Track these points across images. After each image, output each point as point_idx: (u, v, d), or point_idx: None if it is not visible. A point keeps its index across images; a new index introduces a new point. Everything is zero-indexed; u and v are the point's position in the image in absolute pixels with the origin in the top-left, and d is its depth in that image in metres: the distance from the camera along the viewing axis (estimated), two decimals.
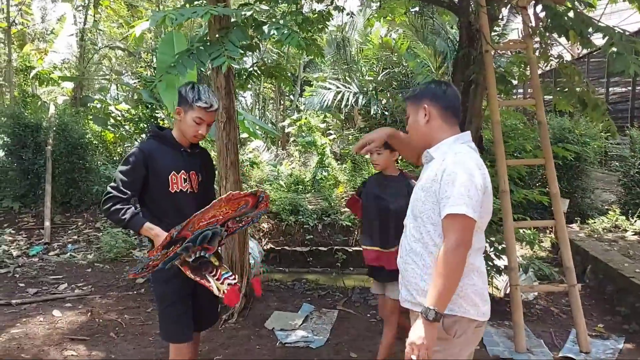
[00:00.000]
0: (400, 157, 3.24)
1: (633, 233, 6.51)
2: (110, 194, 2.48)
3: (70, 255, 6.70)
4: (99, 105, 11.57)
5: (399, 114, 10.94)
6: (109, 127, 10.50)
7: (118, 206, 2.46)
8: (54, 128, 8.68)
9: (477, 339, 2.10)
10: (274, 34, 3.00)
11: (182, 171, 2.62)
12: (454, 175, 1.92)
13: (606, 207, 7.74)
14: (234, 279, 2.49)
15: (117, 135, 10.74)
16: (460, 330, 1.98)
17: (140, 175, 2.52)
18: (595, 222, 6.90)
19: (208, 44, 3.15)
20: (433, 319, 1.85)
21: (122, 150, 10.83)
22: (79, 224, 8.07)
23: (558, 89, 4.74)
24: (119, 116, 11.05)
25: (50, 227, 7.46)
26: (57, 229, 7.74)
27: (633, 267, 5.05)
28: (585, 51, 12.17)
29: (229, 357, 3.89)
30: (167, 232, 2.51)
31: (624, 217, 6.94)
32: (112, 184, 2.52)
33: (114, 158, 10.37)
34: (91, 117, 10.68)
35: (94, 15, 12.46)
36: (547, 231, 7.10)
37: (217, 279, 2.43)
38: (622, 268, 5.01)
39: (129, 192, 2.50)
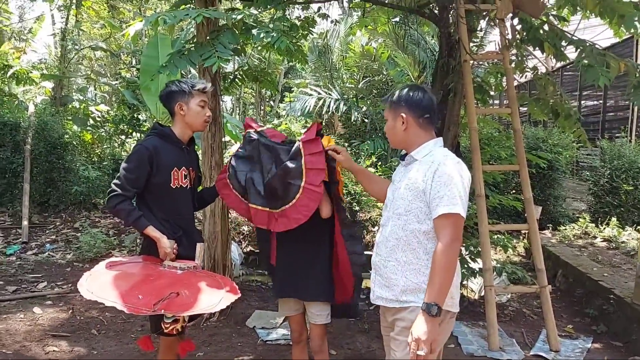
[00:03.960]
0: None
1: (602, 240, 6.77)
2: (115, 192, 2.55)
3: (49, 254, 6.66)
4: (78, 106, 11.48)
5: (378, 121, 11.12)
6: (88, 127, 10.43)
7: (123, 206, 2.54)
8: (33, 127, 8.61)
9: (451, 328, 2.24)
10: (263, 37, 3.10)
11: (183, 167, 2.71)
12: (446, 177, 2.04)
13: (577, 215, 8.02)
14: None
15: (96, 136, 10.68)
16: (439, 320, 2.10)
17: (145, 173, 2.58)
18: (566, 229, 7.14)
19: (199, 45, 3.25)
20: (435, 314, 1.96)
21: (100, 151, 10.76)
22: (57, 223, 8.01)
23: (533, 99, 4.94)
24: (98, 117, 10.99)
25: (27, 226, 7.39)
26: (35, 229, 7.68)
27: (601, 271, 5.27)
28: (559, 65, 12.54)
29: (210, 354, 3.96)
30: (160, 226, 2.60)
31: (593, 225, 7.20)
32: (116, 181, 2.57)
33: (93, 159, 10.30)
34: (70, 117, 10.60)
35: (76, 16, 12.37)
36: (521, 237, 7.32)
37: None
38: (591, 272, 5.22)
39: (133, 190, 2.58)
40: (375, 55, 12.41)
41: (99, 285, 2.32)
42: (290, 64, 17.66)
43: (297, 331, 2.97)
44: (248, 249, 7.64)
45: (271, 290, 3.01)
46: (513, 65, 4.66)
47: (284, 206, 2.56)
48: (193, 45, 3.30)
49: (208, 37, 3.37)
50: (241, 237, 7.91)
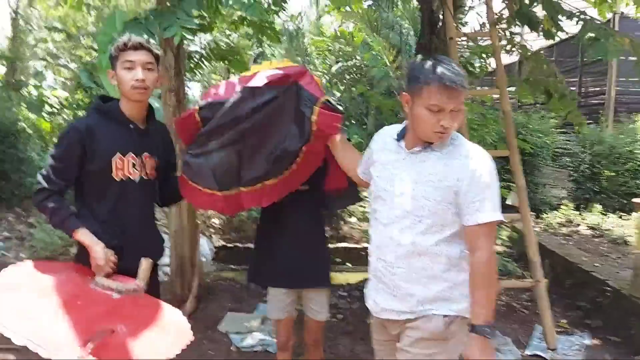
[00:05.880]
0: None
1: (586, 227, 6.61)
2: (40, 186, 2.02)
3: (1, 253, 6.15)
4: (33, 91, 10.79)
5: (353, 107, 10.79)
6: (43, 114, 9.79)
7: (48, 202, 2.00)
8: None
9: (466, 336, 1.92)
10: (232, 3, 2.69)
11: (131, 153, 2.10)
12: (486, 177, 1.75)
13: (557, 203, 7.86)
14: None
15: (54, 124, 10.04)
16: (455, 329, 1.83)
17: (75, 160, 2.03)
18: (549, 217, 6.96)
19: (159, 13, 2.80)
20: (490, 335, 1.71)
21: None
22: (10, 219, 7.43)
23: (523, 79, 4.66)
24: (56, 103, 10.33)
25: None
26: None
27: (591, 260, 5.06)
28: (538, 46, 12.39)
29: None
30: (102, 232, 2.02)
31: (577, 212, 7.04)
32: (43, 171, 2.04)
33: (50, 148, 9.68)
34: (25, 103, 9.92)
35: None
36: (503, 226, 7.11)
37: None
38: (581, 262, 5.02)
39: (61, 183, 2.03)
40: (348, 38, 12.04)
41: (9, 304, 1.70)
42: (260, 49, 17.19)
43: (285, 336, 2.76)
44: (219, 243, 7.22)
45: (262, 280, 2.71)
46: (503, 42, 4.34)
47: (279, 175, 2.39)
48: (151, 12, 2.85)
49: (169, 4, 2.93)
50: (212, 230, 7.49)
